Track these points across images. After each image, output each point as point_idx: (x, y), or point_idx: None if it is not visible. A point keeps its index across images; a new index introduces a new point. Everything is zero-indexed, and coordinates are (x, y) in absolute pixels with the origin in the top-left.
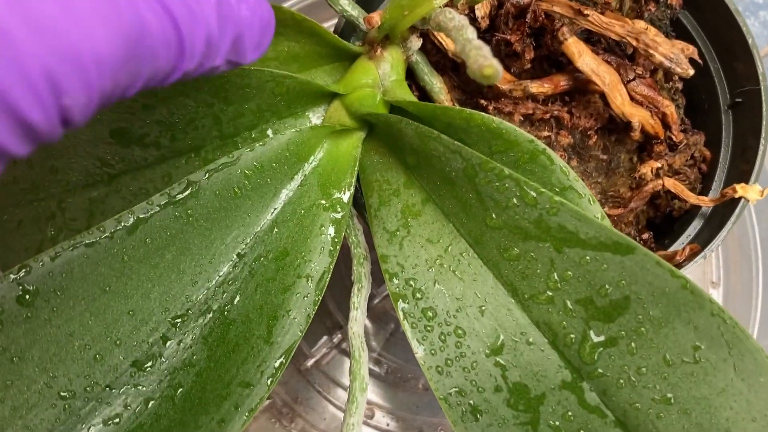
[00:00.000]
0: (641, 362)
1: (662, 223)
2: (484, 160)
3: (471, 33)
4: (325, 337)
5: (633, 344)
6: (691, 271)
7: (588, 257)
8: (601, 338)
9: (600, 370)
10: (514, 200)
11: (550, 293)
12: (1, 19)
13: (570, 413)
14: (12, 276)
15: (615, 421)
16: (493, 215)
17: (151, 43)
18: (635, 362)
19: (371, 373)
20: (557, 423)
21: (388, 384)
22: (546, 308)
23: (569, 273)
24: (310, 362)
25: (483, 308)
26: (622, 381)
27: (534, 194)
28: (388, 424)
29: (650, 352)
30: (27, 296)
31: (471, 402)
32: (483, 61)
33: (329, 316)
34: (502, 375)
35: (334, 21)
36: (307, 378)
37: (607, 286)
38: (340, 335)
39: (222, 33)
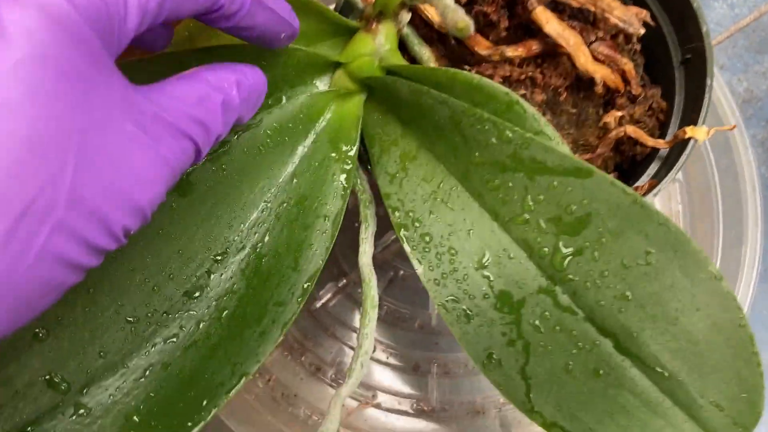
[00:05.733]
0: (603, 267)
1: (628, 168)
2: (467, 107)
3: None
4: (331, 283)
5: (596, 252)
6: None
7: (555, 182)
8: (570, 249)
9: (570, 276)
10: (493, 139)
11: (526, 215)
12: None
13: (547, 313)
14: None
15: (584, 317)
16: (476, 153)
17: (184, 166)
18: (598, 267)
19: None
20: (536, 322)
21: (388, 323)
22: (523, 228)
23: (541, 197)
24: (318, 304)
25: (471, 231)
26: (588, 284)
27: (509, 133)
28: (387, 358)
29: (610, 258)
30: None
31: (464, 307)
32: (456, 16)
33: (336, 265)
34: (489, 284)
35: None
36: (316, 318)
37: (572, 206)
38: (345, 281)
39: (226, 127)
